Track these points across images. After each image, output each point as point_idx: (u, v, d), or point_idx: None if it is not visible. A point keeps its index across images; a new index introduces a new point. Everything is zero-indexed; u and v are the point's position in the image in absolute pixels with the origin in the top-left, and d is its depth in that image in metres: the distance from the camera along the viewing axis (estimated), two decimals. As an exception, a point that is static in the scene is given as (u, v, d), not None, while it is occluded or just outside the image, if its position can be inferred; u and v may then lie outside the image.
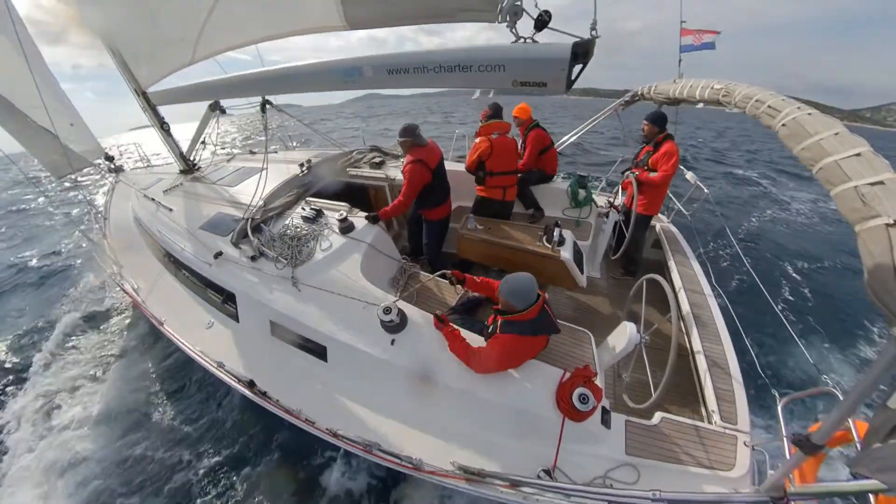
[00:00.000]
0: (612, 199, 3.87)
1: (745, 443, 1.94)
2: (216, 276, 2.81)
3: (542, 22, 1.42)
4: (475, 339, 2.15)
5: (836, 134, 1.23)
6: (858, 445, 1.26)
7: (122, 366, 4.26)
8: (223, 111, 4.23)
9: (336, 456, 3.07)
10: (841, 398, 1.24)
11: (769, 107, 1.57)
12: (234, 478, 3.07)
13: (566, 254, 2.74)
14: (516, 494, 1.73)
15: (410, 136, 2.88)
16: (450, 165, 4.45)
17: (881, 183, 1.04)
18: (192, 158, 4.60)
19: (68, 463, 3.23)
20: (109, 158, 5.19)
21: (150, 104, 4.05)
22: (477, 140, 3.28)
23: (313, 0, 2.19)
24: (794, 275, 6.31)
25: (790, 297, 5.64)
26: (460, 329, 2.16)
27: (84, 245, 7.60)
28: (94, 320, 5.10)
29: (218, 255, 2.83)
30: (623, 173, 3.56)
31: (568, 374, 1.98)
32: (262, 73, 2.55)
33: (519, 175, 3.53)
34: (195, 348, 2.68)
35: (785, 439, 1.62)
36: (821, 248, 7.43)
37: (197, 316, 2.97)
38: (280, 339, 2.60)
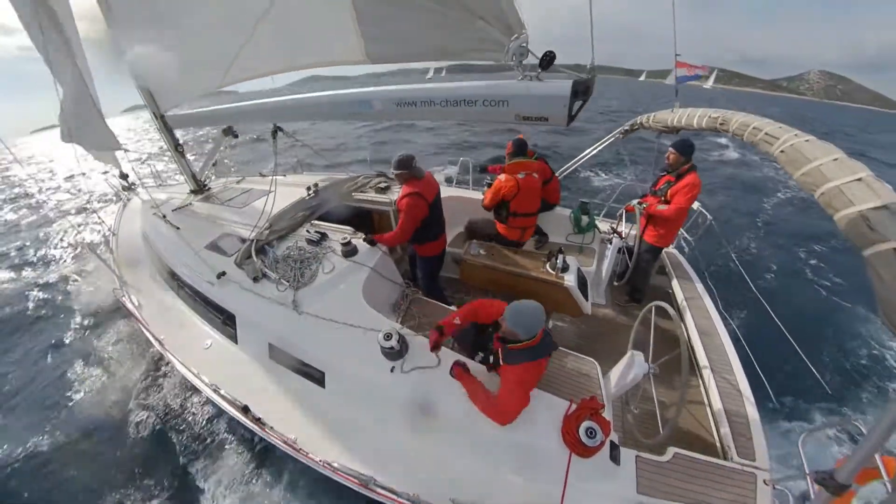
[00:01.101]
0: (615, 225, 3.88)
1: (765, 481, 1.81)
2: (217, 296, 2.80)
3: (546, 61, 1.50)
4: (477, 369, 2.08)
5: (836, 160, 1.24)
6: (888, 485, 1.17)
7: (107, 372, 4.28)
8: (235, 135, 4.40)
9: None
10: (865, 432, 1.17)
11: (766, 134, 1.61)
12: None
13: (571, 280, 2.71)
14: None
15: (407, 169, 2.73)
16: (453, 191, 4.54)
17: (885, 207, 1.04)
18: (202, 179, 4.73)
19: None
20: (124, 177, 5.33)
21: (167, 126, 4.20)
22: (502, 177, 3.14)
23: (340, 38, 2.32)
24: (811, 261, 6.52)
25: (826, 283, 5.81)
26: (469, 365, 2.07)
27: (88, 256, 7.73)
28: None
29: (221, 275, 2.84)
30: (639, 203, 3.45)
31: (574, 406, 1.89)
32: (276, 103, 2.66)
33: None
34: (192, 369, 2.63)
35: (808, 478, 1.51)
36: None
37: (197, 336, 2.93)
38: (278, 362, 2.54)
